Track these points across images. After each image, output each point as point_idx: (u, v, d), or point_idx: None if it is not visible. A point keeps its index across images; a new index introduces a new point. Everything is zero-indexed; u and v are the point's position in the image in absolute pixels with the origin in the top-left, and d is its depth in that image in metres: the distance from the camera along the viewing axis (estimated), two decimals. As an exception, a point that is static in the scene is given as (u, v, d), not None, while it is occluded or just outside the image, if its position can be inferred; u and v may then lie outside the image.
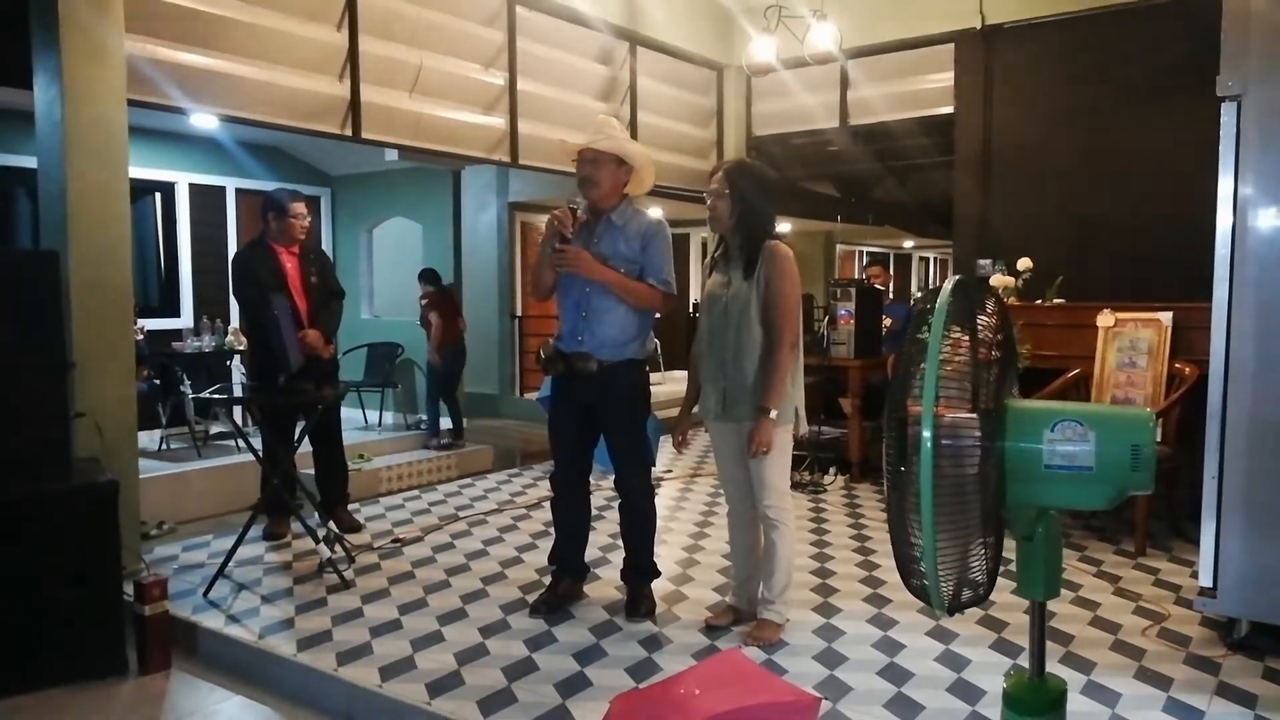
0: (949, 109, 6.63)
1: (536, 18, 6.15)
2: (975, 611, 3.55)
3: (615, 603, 3.70)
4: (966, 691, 2.94)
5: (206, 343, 7.14)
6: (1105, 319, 4.80)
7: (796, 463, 4.90)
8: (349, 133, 5.08)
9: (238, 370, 7.16)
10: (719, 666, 2.24)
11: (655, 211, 3.75)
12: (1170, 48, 5.40)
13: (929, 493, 1.43)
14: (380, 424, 8.00)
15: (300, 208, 4.66)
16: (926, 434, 1.45)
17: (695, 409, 3.52)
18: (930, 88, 6.79)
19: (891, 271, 18.04)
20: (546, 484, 5.57)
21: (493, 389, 9.99)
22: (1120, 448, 1.57)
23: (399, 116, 5.36)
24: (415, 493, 5.80)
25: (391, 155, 7.37)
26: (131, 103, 4.09)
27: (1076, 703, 2.76)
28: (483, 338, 9.88)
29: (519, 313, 10.27)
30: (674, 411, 3.66)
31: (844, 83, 7.16)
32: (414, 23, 5.39)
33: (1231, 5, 3.06)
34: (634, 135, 6.54)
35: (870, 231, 15.63)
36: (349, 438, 5.32)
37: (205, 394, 4.17)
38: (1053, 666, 2.58)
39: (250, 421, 6.43)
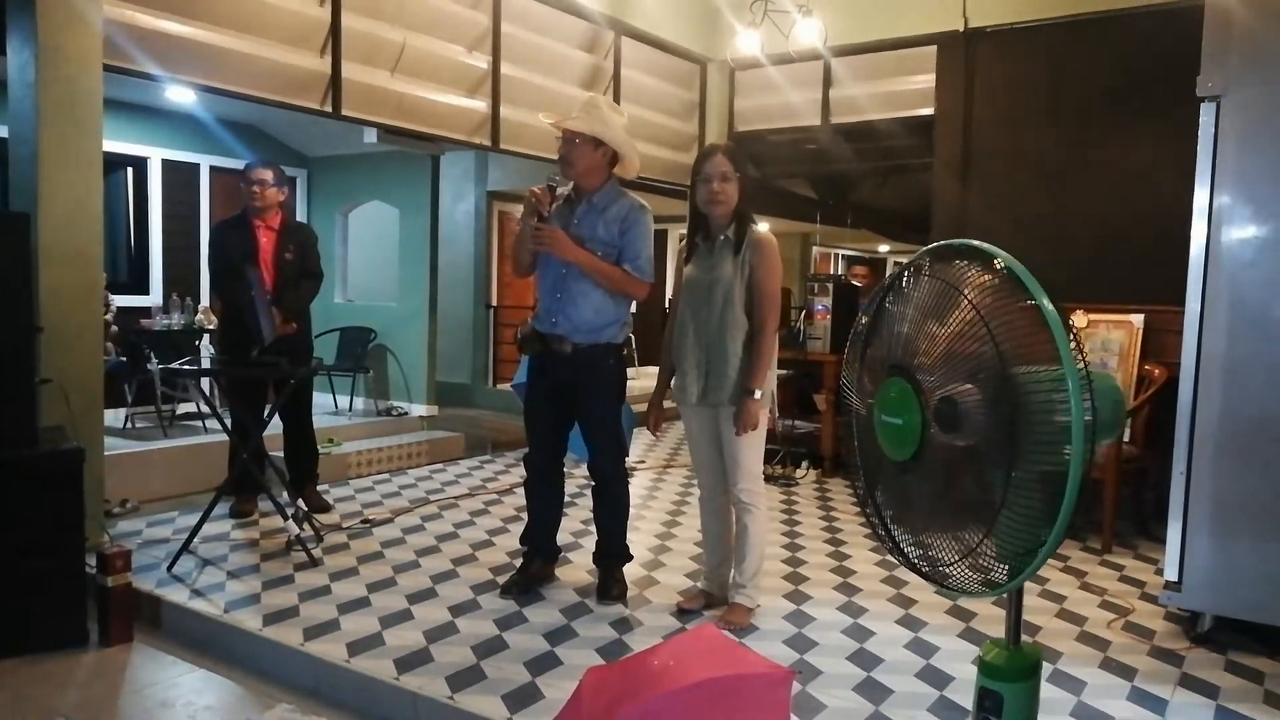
0: (930, 110, 6.67)
1: (522, 1, 6.11)
2: (943, 602, 3.58)
3: (587, 586, 3.69)
4: (935, 677, 2.95)
5: (176, 321, 7.02)
6: (1078, 319, 4.86)
7: (769, 456, 4.90)
8: (329, 109, 5.01)
9: (206, 349, 7.04)
10: (693, 640, 2.23)
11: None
12: (1150, 54, 5.46)
13: (1078, 476, 1.42)
14: (351, 409, 7.90)
15: (257, 174, 4.53)
16: (1079, 426, 1.45)
17: (667, 401, 3.51)
18: (912, 88, 6.82)
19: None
20: (518, 471, 5.54)
21: (465, 379, 9.93)
22: (1108, 403, 1.70)
23: (380, 95, 5.30)
24: (386, 476, 5.74)
25: (370, 138, 7.27)
26: (107, 69, 4.02)
27: (1042, 689, 2.78)
28: (457, 327, 9.81)
29: (494, 302, 10.21)
30: (646, 406, 3.62)
31: (827, 80, 7.18)
32: (398, 1, 5.34)
33: (1214, 3, 3.10)
34: (616, 125, 6.51)
35: (847, 234, 15.67)
36: (319, 422, 5.25)
37: (174, 365, 4.10)
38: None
39: (220, 401, 6.32)
